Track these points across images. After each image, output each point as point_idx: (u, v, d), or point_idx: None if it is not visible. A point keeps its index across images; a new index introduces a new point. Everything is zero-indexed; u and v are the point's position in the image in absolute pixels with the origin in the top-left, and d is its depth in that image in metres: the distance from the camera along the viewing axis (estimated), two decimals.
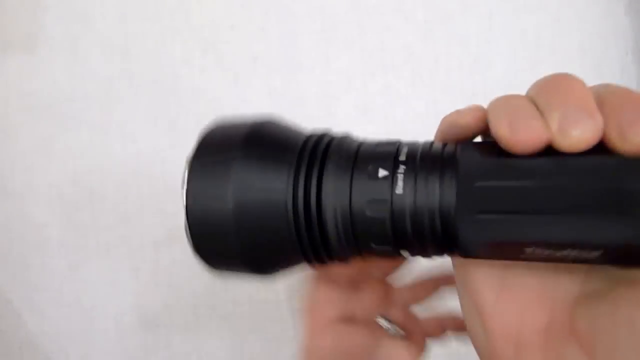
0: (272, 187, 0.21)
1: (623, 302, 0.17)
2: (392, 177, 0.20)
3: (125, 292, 0.41)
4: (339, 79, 0.43)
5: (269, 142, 0.22)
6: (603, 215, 0.16)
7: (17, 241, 0.41)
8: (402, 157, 0.21)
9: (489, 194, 0.17)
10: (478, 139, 0.21)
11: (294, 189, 0.21)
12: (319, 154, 0.22)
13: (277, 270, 0.22)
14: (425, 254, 0.21)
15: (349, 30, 0.44)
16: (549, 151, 0.17)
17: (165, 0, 0.44)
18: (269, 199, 0.21)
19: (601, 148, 0.16)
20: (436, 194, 0.19)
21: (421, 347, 0.29)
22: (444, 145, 0.21)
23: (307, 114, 0.43)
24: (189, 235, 0.21)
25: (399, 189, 0.20)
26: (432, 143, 0.22)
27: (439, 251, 0.20)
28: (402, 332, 0.28)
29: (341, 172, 0.21)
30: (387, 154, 0.21)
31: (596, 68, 0.43)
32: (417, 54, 0.44)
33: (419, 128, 0.44)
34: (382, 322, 0.28)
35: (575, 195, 0.16)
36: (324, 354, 0.25)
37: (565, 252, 0.17)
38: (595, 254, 0.17)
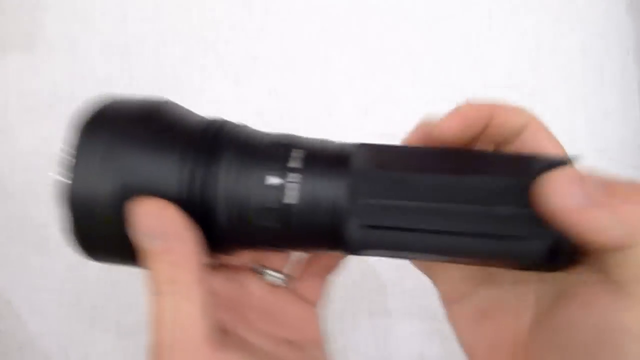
0: (163, 175, 0.20)
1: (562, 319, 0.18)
2: (284, 181, 0.20)
3: (125, 292, 0.41)
4: (339, 79, 0.43)
5: (164, 125, 0.21)
6: (476, 236, 0.18)
7: (17, 241, 0.41)
8: (295, 164, 0.20)
9: (376, 210, 0.19)
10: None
11: (189, 179, 0.20)
12: (216, 144, 0.21)
13: None
14: (307, 245, 0.22)
15: (349, 30, 0.44)
16: (435, 165, 0.19)
17: (165, 0, 0.44)
18: (160, 179, 0.20)
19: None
20: (329, 199, 0.20)
21: (316, 291, 0.27)
22: (340, 147, 0.21)
23: (307, 114, 0.43)
24: (68, 219, 0.20)
25: (291, 190, 0.20)
26: (327, 143, 0.22)
27: (327, 249, 0.21)
28: (281, 277, 0.27)
29: (236, 164, 0.20)
30: (281, 156, 0.20)
31: (597, 68, 0.43)
32: (417, 53, 0.44)
33: None
34: (259, 269, 0.27)
35: (452, 216, 0.18)
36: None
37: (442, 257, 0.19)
38: (481, 244, 0.19)
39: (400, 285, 0.41)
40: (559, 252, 0.18)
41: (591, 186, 0.16)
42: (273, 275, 0.27)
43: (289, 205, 0.20)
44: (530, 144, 0.21)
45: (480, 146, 0.22)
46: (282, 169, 0.20)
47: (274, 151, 0.20)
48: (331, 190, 0.20)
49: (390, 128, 0.44)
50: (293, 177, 0.20)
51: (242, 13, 0.44)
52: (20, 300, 0.41)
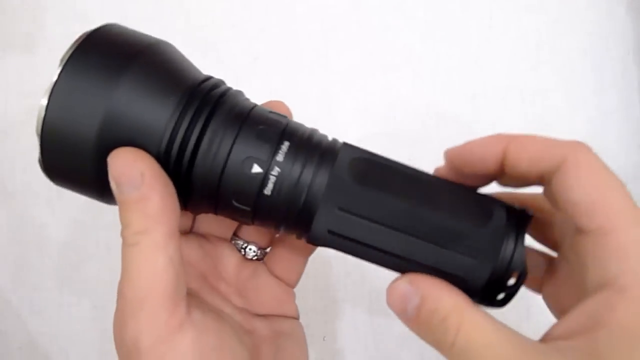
0: (153, 114, 0.19)
1: None
2: (267, 172, 0.20)
3: None
4: (339, 79, 0.43)
5: (166, 66, 0.20)
6: (423, 266, 0.20)
7: (17, 241, 0.41)
8: (281, 157, 0.20)
9: (341, 220, 0.20)
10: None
11: (175, 126, 0.19)
12: (212, 99, 0.20)
13: None
14: (276, 229, 0.22)
15: (349, 30, 0.44)
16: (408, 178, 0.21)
17: (165, 0, 0.44)
18: (145, 126, 0.19)
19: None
20: (302, 196, 0.20)
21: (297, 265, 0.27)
22: (325, 147, 0.21)
23: (307, 114, 0.43)
24: (41, 140, 0.19)
25: (271, 182, 0.20)
26: (315, 138, 0.22)
27: (289, 230, 0.22)
28: (256, 250, 0.27)
29: (228, 125, 0.20)
30: (270, 145, 0.20)
31: (597, 68, 0.43)
32: (417, 53, 0.44)
33: (419, 128, 0.44)
34: (234, 239, 0.27)
35: (406, 243, 0.20)
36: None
37: (392, 261, 0.20)
38: (422, 271, 0.20)
39: None
40: (488, 298, 0.21)
41: (412, 303, 0.19)
42: (247, 248, 0.26)
43: (265, 195, 0.20)
44: (566, 185, 0.19)
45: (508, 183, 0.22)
46: (269, 161, 0.20)
47: (265, 137, 0.20)
48: (307, 189, 0.20)
49: (390, 128, 0.44)
50: (276, 170, 0.20)
51: (242, 13, 0.44)
52: (20, 300, 0.41)
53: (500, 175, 0.21)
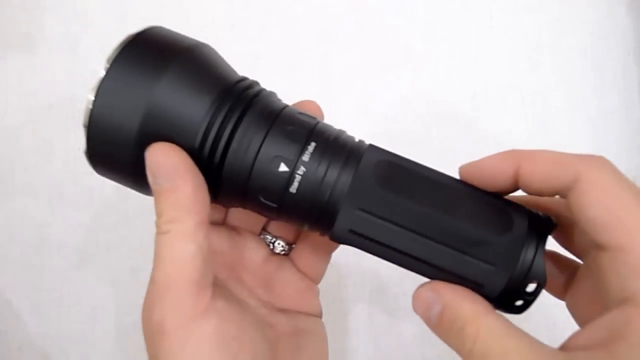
0: (190, 111, 0.20)
1: None
2: (293, 171, 0.21)
3: (125, 292, 0.41)
4: (339, 79, 0.43)
5: (203, 66, 0.21)
6: (442, 270, 0.21)
7: (17, 241, 0.41)
8: (307, 157, 0.21)
9: (364, 221, 0.21)
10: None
11: (209, 123, 0.20)
12: (246, 99, 0.21)
13: None
14: (300, 226, 0.23)
15: (350, 30, 0.44)
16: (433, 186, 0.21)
17: (165, 0, 0.44)
18: (182, 122, 0.20)
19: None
20: (326, 195, 0.21)
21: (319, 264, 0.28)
22: (351, 148, 0.22)
23: None
24: (88, 131, 0.20)
25: (297, 181, 0.21)
26: (341, 139, 0.22)
27: (313, 228, 0.22)
28: (284, 245, 0.28)
29: (259, 125, 0.21)
30: (298, 145, 0.21)
31: (597, 69, 0.43)
32: (417, 53, 0.44)
33: (420, 128, 0.44)
34: (267, 238, 0.28)
35: (426, 247, 0.20)
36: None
37: (414, 264, 0.21)
38: (439, 275, 0.21)
39: (401, 285, 0.41)
40: (505, 305, 0.21)
41: (434, 310, 0.20)
42: (276, 242, 0.27)
43: (290, 193, 0.21)
44: (582, 203, 0.19)
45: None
46: (295, 160, 0.21)
47: (293, 137, 0.21)
48: (331, 188, 0.21)
49: (391, 128, 0.44)
50: (302, 169, 0.21)
51: (242, 13, 0.44)
52: (20, 300, 0.41)
53: (515, 190, 0.21)
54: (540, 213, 0.22)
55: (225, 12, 0.44)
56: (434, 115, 0.43)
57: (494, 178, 0.21)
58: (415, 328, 0.41)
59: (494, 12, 0.44)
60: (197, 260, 0.20)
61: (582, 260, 0.23)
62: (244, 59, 0.44)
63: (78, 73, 0.42)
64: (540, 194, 0.21)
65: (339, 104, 0.43)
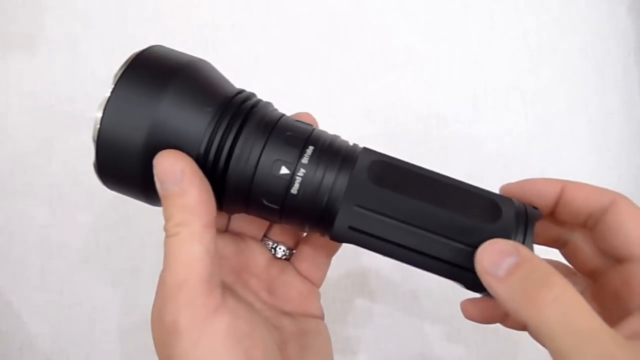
0: (192, 125, 0.21)
1: None
2: (294, 174, 0.22)
3: (125, 293, 0.41)
4: (339, 79, 0.43)
5: (203, 81, 0.23)
6: (436, 259, 0.22)
7: (17, 241, 0.41)
8: (306, 160, 0.22)
9: (362, 217, 0.22)
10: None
11: (211, 134, 0.22)
12: (244, 110, 0.23)
13: None
14: (301, 227, 0.24)
15: (350, 30, 0.44)
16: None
17: (165, 0, 0.44)
18: (186, 134, 0.21)
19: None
20: (325, 195, 0.22)
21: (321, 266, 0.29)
22: (346, 151, 0.23)
23: None
24: (97, 146, 0.21)
25: (297, 182, 0.22)
26: (337, 142, 0.24)
27: (313, 228, 0.23)
28: (285, 249, 0.29)
29: (259, 132, 0.22)
30: (297, 149, 0.22)
31: (598, 69, 0.43)
32: (418, 54, 0.44)
33: (420, 128, 0.44)
34: (264, 239, 0.29)
35: (421, 238, 0.22)
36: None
37: (412, 256, 0.22)
38: (435, 264, 0.22)
39: (401, 286, 0.41)
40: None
41: (508, 261, 0.20)
42: (277, 247, 0.28)
43: (292, 194, 0.22)
44: (613, 226, 0.23)
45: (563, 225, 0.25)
46: (295, 163, 0.22)
47: (292, 142, 0.22)
48: (329, 189, 0.22)
49: (391, 128, 0.44)
50: (302, 171, 0.22)
51: (242, 13, 0.44)
52: (20, 300, 0.41)
53: (551, 212, 0.24)
54: (527, 205, 0.24)
55: (225, 12, 0.44)
56: (435, 116, 0.43)
57: (540, 196, 0.24)
58: (415, 328, 0.41)
59: (494, 12, 0.44)
60: (206, 260, 0.21)
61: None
62: (244, 59, 0.45)
63: (78, 73, 0.42)
64: (574, 214, 0.24)
65: (339, 104, 0.43)
